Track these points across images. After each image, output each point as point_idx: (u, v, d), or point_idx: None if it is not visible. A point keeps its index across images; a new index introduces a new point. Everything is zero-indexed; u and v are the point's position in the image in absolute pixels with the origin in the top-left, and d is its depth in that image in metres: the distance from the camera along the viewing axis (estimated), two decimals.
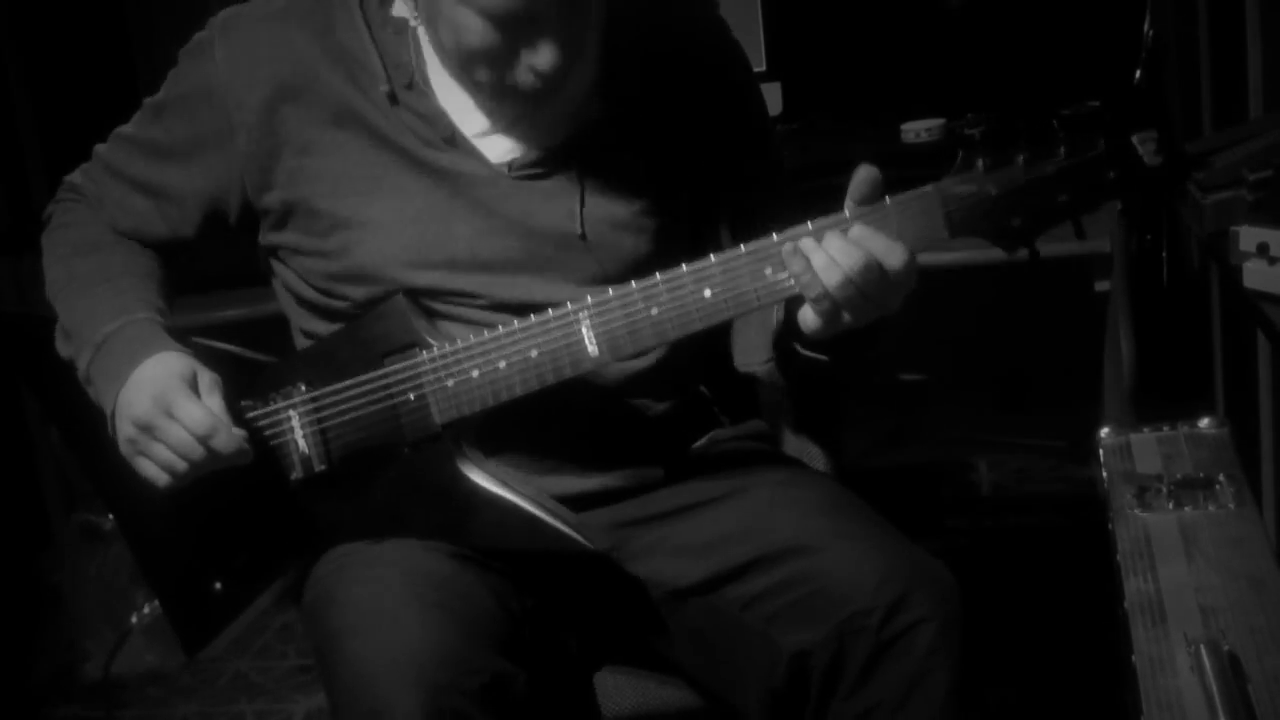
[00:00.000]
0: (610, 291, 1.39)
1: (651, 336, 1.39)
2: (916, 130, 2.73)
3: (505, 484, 1.45)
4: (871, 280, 1.33)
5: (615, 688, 1.56)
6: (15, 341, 1.71)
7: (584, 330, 1.39)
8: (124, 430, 1.47)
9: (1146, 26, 2.84)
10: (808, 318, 1.38)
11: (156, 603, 1.67)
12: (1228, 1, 2.44)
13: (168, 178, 1.59)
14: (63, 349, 1.57)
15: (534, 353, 1.41)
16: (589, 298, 1.40)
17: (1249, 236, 1.71)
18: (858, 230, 1.33)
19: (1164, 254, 3.07)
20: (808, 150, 2.75)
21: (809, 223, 1.35)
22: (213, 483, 1.50)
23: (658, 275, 1.38)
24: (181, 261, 1.66)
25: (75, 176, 1.67)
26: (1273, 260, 1.68)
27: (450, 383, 1.44)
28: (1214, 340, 2.77)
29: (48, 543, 3.08)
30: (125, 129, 1.63)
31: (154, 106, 1.61)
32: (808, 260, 1.34)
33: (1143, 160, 1.29)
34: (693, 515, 1.52)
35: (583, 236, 1.50)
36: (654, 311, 1.38)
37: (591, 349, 1.39)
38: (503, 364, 1.42)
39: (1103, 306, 2.60)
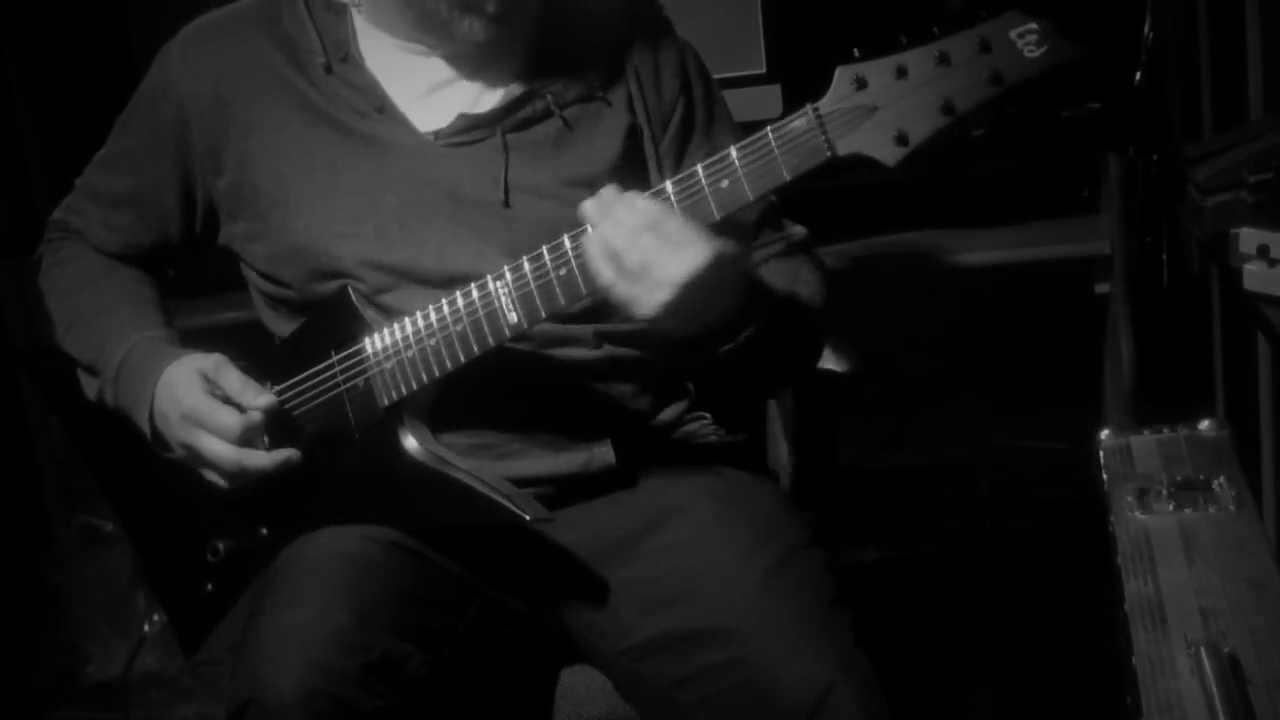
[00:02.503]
0: (525, 260, 1.41)
1: (562, 295, 1.41)
2: None
3: (443, 460, 1.48)
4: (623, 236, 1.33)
5: (588, 692, 1.56)
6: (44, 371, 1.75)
7: (503, 298, 1.42)
8: (177, 451, 1.54)
9: (1146, 28, 2.84)
10: None
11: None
12: (1228, 2, 2.44)
13: (140, 181, 1.63)
14: (89, 389, 1.63)
15: (460, 326, 1.44)
16: (507, 269, 1.42)
17: (1249, 239, 1.71)
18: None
19: (1164, 256, 3.07)
20: None
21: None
22: (195, 487, 1.55)
23: (565, 237, 1.40)
24: (175, 266, 1.70)
25: (59, 213, 1.72)
26: (1273, 262, 1.68)
27: (389, 365, 1.47)
28: (1214, 342, 2.77)
29: (48, 545, 3.07)
30: (100, 152, 1.68)
31: (121, 121, 1.67)
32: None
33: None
34: (631, 557, 1.51)
35: (506, 204, 1.53)
36: (562, 271, 1.40)
37: (512, 315, 1.43)
38: (433, 340, 1.45)
39: (1103, 309, 2.60)
